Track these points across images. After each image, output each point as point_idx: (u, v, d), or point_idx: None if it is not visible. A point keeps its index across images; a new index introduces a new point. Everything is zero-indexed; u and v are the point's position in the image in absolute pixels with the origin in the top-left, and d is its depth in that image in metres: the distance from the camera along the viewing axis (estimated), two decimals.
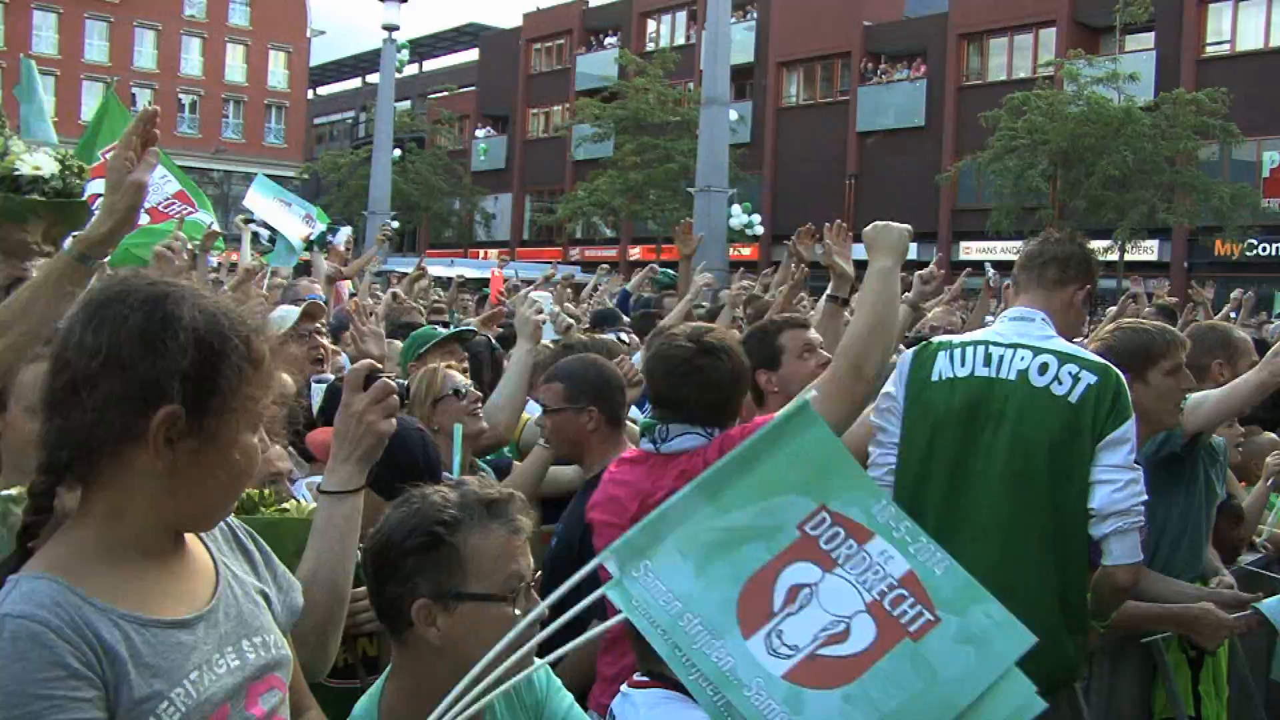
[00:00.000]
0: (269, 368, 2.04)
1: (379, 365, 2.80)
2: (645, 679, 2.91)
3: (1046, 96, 35.28)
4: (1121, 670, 4.61)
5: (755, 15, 50.02)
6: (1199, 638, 4.38)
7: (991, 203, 36.98)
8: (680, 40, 53.00)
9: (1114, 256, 34.68)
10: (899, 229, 3.76)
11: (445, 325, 8.27)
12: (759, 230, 30.37)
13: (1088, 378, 3.64)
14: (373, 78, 62.11)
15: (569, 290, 14.87)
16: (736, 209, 27.26)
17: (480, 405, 4.59)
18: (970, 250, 41.41)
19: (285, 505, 3.22)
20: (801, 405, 1.99)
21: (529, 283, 14.70)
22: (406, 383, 3.00)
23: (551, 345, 6.33)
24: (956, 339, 3.91)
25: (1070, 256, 3.96)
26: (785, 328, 4.75)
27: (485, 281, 19.38)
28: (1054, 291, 3.92)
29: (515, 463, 5.10)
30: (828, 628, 1.92)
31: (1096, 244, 30.10)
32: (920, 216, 42.39)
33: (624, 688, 2.94)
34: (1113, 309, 11.67)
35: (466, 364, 5.65)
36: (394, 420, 2.63)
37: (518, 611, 2.40)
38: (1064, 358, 3.69)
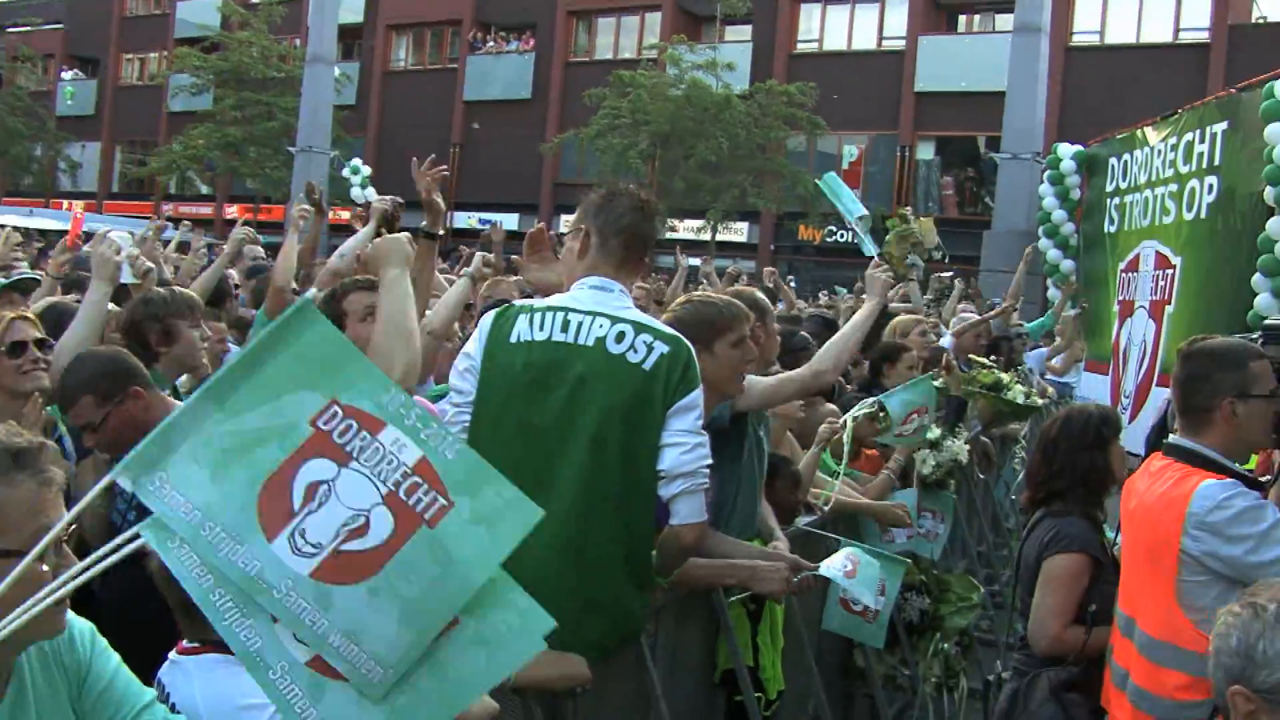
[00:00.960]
0: None
1: None
2: (195, 645, 2.80)
3: (650, 78, 36.41)
4: (686, 625, 4.79)
5: None
6: (758, 586, 4.60)
7: (593, 179, 37.76)
8: None
9: (706, 237, 36.24)
10: (403, 239, 3.92)
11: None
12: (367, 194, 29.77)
13: (661, 347, 3.74)
14: None
15: (161, 244, 14.14)
16: (360, 165, 26.51)
17: (40, 365, 4.35)
18: (571, 224, 42.16)
19: None
20: (302, 304, 1.98)
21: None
22: None
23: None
24: (538, 303, 3.95)
25: None
26: (351, 291, 4.73)
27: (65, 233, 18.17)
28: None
29: None
30: (348, 523, 1.92)
31: (690, 224, 31.29)
32: (523, 188, 42.91)
33: (172, 655, 2.82)
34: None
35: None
36: None
37: (46, 568, 2.24)
38: (639, 327, 3.78)
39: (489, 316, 3.92)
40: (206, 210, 49.73)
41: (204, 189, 50.39)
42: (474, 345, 3.85)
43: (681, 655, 4.76)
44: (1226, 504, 3.64)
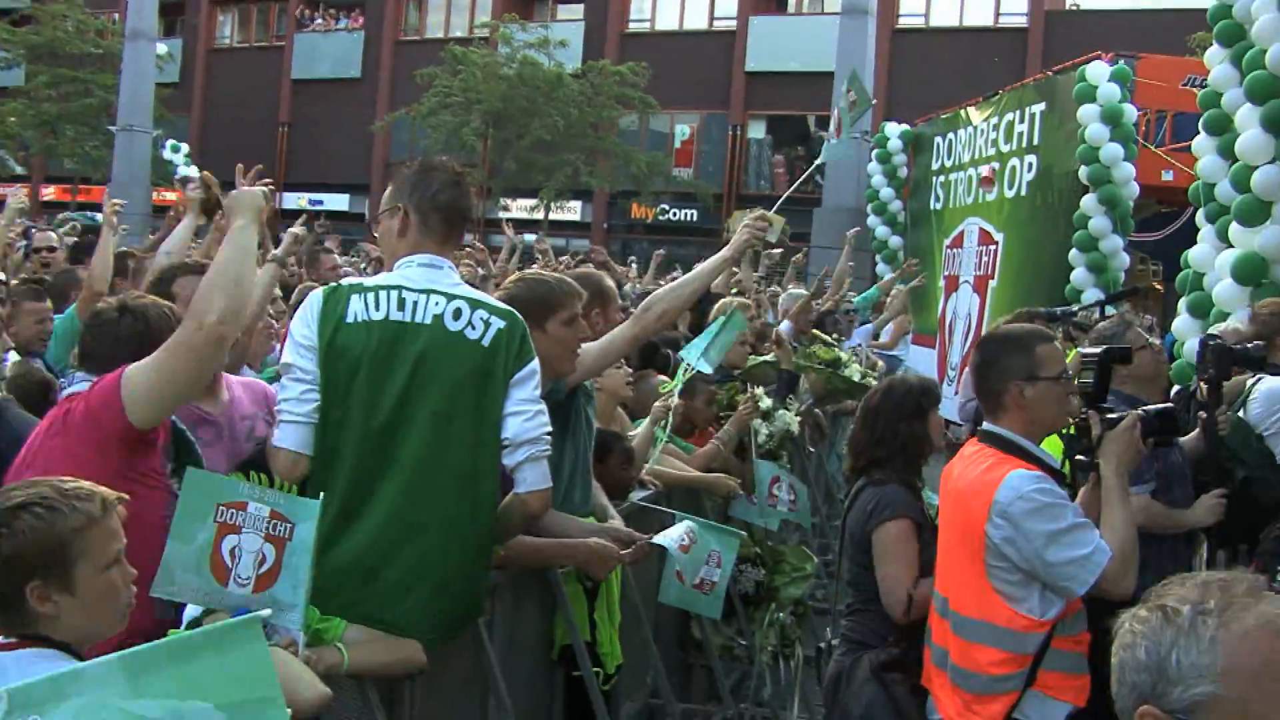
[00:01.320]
0: None
1: None
2: (12, 640, 2.69)
3: (482, 56, 36.14)
4: (523, 604, 4.79)
5: None
6: (590, 570, 4.65)
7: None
8: None
9: (540, 216, 36.17)
10: (256, 193, 3.76)
11: None
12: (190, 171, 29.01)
13: (497, 323, 3.76)
14: None
15: None
16: (179, 144, 25.76)
17: None
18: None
19: None
20: (251, 621, 1.93)
21: None
22: None
23: None
24: (369, 282, 3.89)
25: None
26: (179, 274, 4.65)
27: None
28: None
29: None
30: None
31: (523, 203, 31.18)
32: (352, 168, 42.27)
33: None
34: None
35: None
36: None
37: None
38: (474, 304, 3.79)
39: (318, 294, 3.83)
40: (21, 192, 47.85)
41: (18, 169, 48.40)
42: (306, 324, 3.74)
43: (519, 633, 4.76)
44: (1030, 497, 3.75)
